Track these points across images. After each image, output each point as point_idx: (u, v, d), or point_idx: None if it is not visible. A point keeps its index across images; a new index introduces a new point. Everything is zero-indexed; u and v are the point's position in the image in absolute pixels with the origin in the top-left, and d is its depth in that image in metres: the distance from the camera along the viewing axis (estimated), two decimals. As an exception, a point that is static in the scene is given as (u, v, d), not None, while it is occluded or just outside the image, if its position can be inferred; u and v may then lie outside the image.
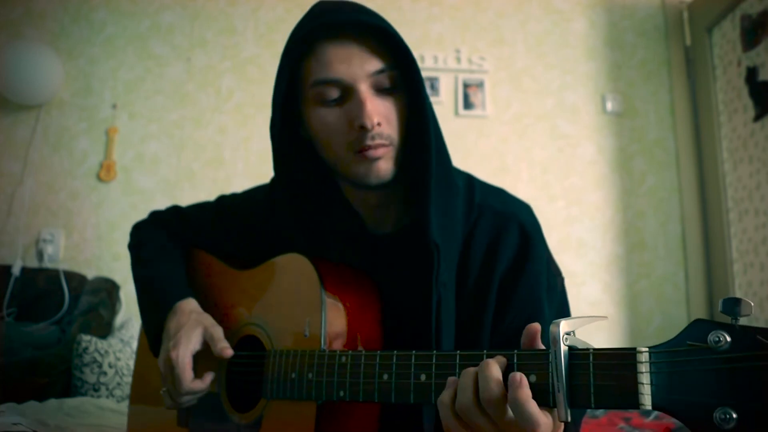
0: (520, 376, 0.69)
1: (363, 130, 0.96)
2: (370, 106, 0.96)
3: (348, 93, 0.97)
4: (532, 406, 0.68)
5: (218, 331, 1.13)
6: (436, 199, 1.00)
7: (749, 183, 2.94)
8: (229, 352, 1.10)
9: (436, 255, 0.99)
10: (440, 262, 0.99)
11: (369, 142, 0.97)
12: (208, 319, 1.15)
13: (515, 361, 0.73)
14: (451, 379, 0.76)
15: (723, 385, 0.58)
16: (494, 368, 0.72)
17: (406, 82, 1.01)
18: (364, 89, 0.96)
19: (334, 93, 0.98)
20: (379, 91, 0.99)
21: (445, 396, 0.75)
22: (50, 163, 3.12)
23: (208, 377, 1.11)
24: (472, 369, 0.74)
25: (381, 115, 0.97)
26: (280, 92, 1.02)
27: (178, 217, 1.37)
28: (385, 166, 0.99)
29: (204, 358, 1.12)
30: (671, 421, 1.96)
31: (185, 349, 1.09)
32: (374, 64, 0.97)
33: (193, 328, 1.12)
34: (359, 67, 0.96)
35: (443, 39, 3.38)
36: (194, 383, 1.09)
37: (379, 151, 0.98)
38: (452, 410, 0.74)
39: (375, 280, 1.11)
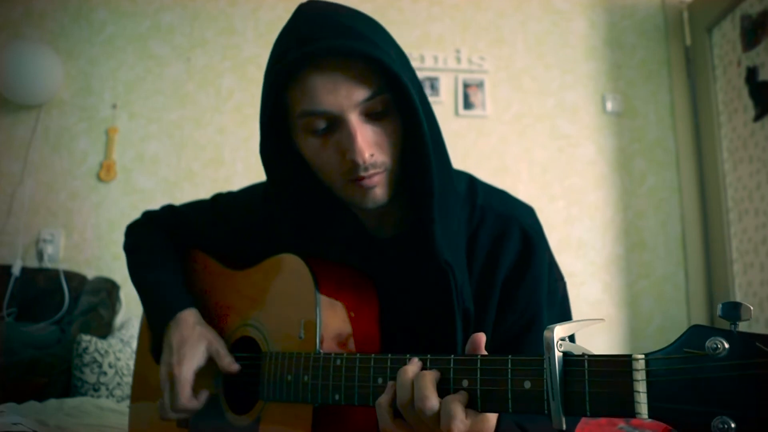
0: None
1: (355, 164, 0.93)
2: (361, 139, 0.92)
3: (337, 123, 0.93)
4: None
5: (222, 346, 1.14)
6: (439, 215, 0.98)
7: (749, 183, 2.94)
8: (235, 366, 1.11)
9: (452, 275, 0.97)
10: (457, 279, 0.98)
11: (363, 173, 0.94)
12: (211, 332, 1.16)
13: (509, 366, 0.72)
14: (390, 383, 0.81)
15: (721, 393, 0.57)
16: (428, 379, 0.78)
17: (398, 102, 0.96)
18: (354, 119, 0.92)
19: (321, 124, 0.94)
20: (370, 116, 0.94)
21: (383, 399, 0.81)
22: (50, 163, 3.12)
23: (203, 396, 1.13)
24: (408, 378, 0.80)
25: (373, 145, 0.94)
26: (266, 117, 0.99)
27: (172, 217, 1.35)
28: (380, 192, 0.97)
29: (204, 372, 1.13)
30: (671, 422, 1.95)
31: (189, 366, 1.10)
32: (362, 93, 0.92)
33: (197, 344, 1.12)
34: (346, 97, 0.91)
35: (443, 39, 3.37)
36: (190, 402, 1.10)
37: (374, 180, 0.96)
38: (390, 412, 0.80)
39: (376, 281, 1.10)
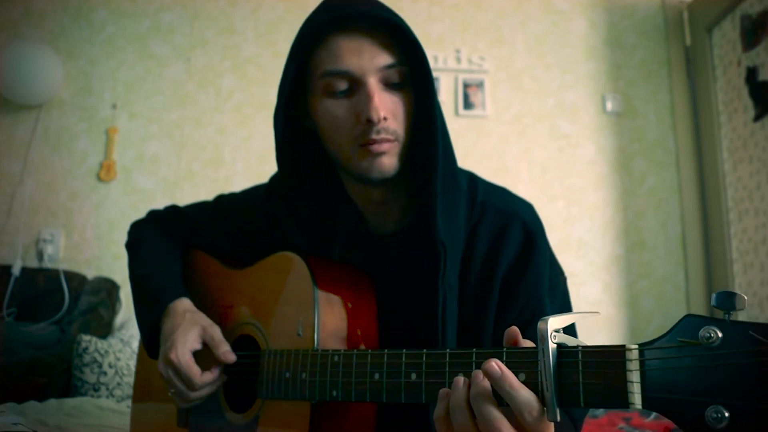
0: (482, 376, 0.70)
1: (369, 123, 0.96)
2: (378, 100, 0.95)
3: (357, 85, 0.98)
4: (490, 407, 0.69)
5: (217, 332, 1.13)
6: (442, 198, 0.99)
7: (749, 183, 2.94)
8: (231, 356, 1.10)
9: (443, 254, 0.98)
10: (447, 262, 0.99)
11: (374, 136, 0.97)
12: (205, 319, 1.15)
13: (504, 359, 0.72)
14: (443, 391, 0.75)
15: (715, 382, 0.57)
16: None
17: (415, 78, 1.00)
18: (373, 83, 0.96)
19: (342, 85, 0.98)
20: (388, 85, 0.99)
21: (440, 409, 0.74)
22: (50, 163, 3.12)
23: (216, 371, 1.11)
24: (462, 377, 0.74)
25: (388, 110, 0.97)
26: (287, 80, 1.02)
27: (176, 217, 1.36)
28: (389, 161, 0.99)
29: (204, 358, 1.12)
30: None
31: (183, 348, 1.08)
32: (384, 59, 0.97)
33: (189, 328, 1.11)
34: (369, 60, 0.96)
35: (443, 39, 3.37)
36: (205, 376, 1.09)
37: (384, 146, 0.98)
38: (446, 423, 0.74)
39: (376, 279, 1.11)
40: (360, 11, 0.96)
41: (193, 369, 1.08)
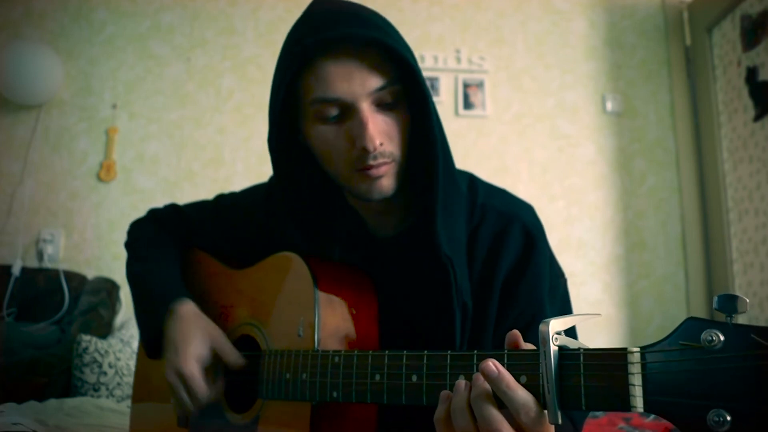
0: (482, 378, 0.70)
1: (365, 151, 0.94)
2: (372, 127, 0.93)
3: (348, 111, 0.94)
4: (490, 408, 0.69)
5: (226, 341, 1.12)
6: (442, 204, 0.98)
7: (749, 183, 2.93)
8: (242, 361, 1.11)
9: (451, 268, 0.98)
10: (456, 274, 0.98)
11: (371, 162, 0.95)
12: (212, 326, 1.14)
13: (505, 361, 0.72)
14: (444, 393, 0.75)
15: (716, 385, 0.57)
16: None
17: (409, 94, 0.98)
18: (366, 108, 0.93)
19: (333, 111, 0.95)
20: (381, 106, 0.96)
21: (441, 411, 0.75)
22: (50, 163, 3.12)
23: (219, 383, 1.11)
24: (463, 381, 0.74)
25: (383, 134, 0.95)
26: (276, 105, 0.99)
27: (176, 216, 1.36)
28: (387, 182, 0.98)
29: (207, 369, 1.12)
30: (671, 422, 1.95)
31: (194, 362, 1.08)
32: (375, 81, 0.93)
33: (200, 339, 1.11)
34: (360, 85, 0.92)
35: (443, 39, 3.37)
36: (208, 392, 1.09)
37: (382, 170, 0.96)
38: (447, 425, 0.74)
39: (377, 280, 1.10)
40: (347, 33, 0.92)
41: (201, 385, 1.08)
